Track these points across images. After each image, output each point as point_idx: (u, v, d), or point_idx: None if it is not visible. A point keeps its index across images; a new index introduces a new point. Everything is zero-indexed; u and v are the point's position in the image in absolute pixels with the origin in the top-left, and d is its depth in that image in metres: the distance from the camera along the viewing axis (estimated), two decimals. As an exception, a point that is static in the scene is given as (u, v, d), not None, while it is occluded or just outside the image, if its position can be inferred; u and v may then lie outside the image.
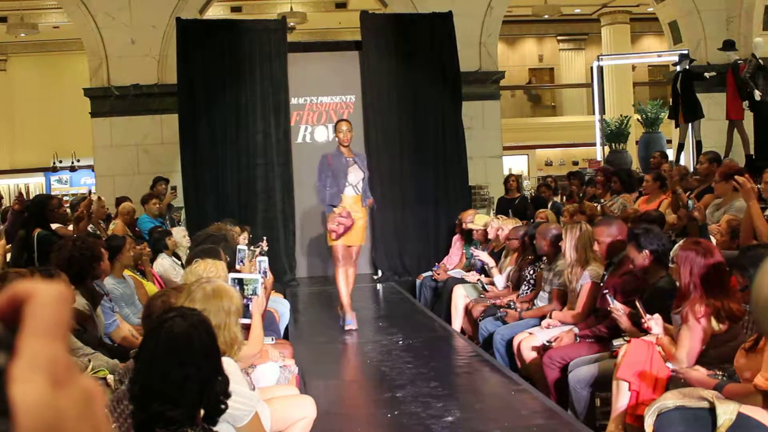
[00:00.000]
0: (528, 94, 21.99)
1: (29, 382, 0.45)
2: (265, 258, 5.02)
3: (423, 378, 4.58)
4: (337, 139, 6.23)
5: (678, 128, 10.93)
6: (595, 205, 7.75)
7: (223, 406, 2.17)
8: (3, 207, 11.17)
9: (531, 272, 5.97)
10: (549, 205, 8.92)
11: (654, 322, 3.72)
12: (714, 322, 3.55)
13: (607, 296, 4.29)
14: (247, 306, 3.60)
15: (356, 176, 6.08)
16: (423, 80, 9.30)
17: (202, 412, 2.16)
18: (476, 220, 7.71)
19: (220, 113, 8.98)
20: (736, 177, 4.90)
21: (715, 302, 3.52)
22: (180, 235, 7.06)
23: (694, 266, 3.59)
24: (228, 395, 2.19)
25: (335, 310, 6.52)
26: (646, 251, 4.23)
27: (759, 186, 6.16)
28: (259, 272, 4.09)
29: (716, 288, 3.55)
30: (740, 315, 3.60)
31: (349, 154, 6.13)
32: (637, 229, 4.41)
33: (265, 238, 6.62)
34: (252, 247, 5.88)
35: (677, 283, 3.78)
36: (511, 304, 5.71)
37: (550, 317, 5.13)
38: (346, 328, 6.02)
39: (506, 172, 12.43)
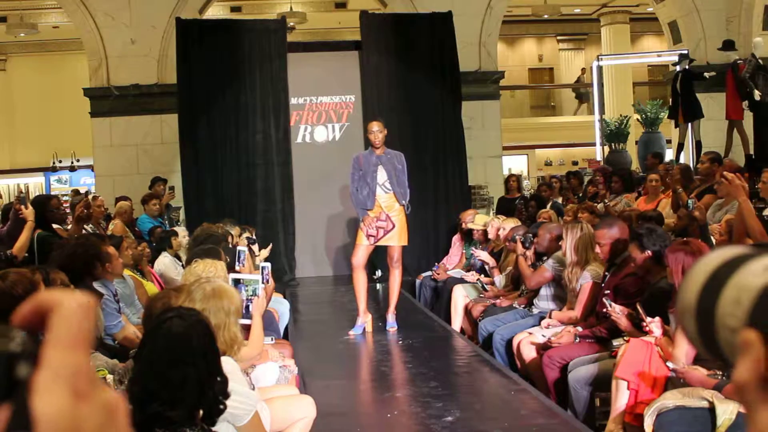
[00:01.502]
0: (576, 92, 21.68)
1: (52, 393, 0.46)
2: (268, 264, 5.00)
3: (423, 378, 4.58)
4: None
5: (678, 128, 10.93)
6: (596, 204, 7.75)
7: (222, 407, 2.17)
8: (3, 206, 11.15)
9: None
10: (549, 205, 8.92)
11: (655, 325, 3.72)
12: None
13: (605, 300, 4.30)
14: (247, 307, 3.60)
15: (383, 175, 5.92)
16: (423, 80, 9.30)
17: (201, 412, 2.16)
18: (476, 220, 7.71)
19: (220, 113, 8.98)
20: (724, 173, 4.88)
21: None
22: (182, 235, 7.06)
23: (685, 266, 3.61)
24: (227, 395, 2.19)
25: (335, 310, 6.52)
26: (648, 252, 4.24)
27: (758, 186, 6.17)
28: (262, 278, 4.08)
29: None
30: None
31: (381, 152, 5.96)
32: (641, 229, 4.41)
33: (270, 245, 6.61)
34: (252, 246, 5.87)
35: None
36: (529, 237, 5.73)
37: (550, 317, 5.13)
38: (355, 333, 5.88)
39: (506, 172, 12.43)
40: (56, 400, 0.46)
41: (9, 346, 0.47)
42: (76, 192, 9.90)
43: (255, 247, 5.99)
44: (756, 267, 0.62)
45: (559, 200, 9.45)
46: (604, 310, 4.28)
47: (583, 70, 21.57)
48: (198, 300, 2.85)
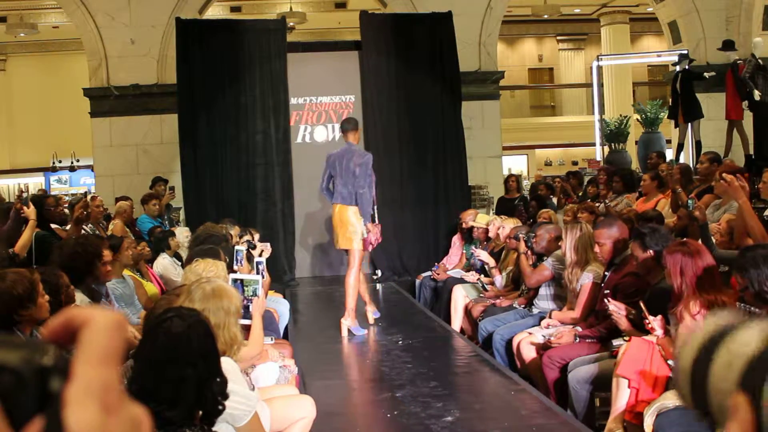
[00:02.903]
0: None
1: (82, 406, 0.47)
2: (263, 259, 5.02)
3: (423, 378, 4.58)
4: (356, 139, 6.06)
5: (677, 128, 10.93)
6: (597, 204, 7.75)
7: (220, 407, 2.17)
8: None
9: (531, 272, 5.97)
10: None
11: (656, 324, 3.72)
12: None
13: (605, 300, 4.30)
14: (247, 307, 3.60)
15: None
16: (423, 80, 9.30)
17: (201, 412, 2.16)
18: (478, 219, 7.73)
19: (220, 113, 8.98)
20: (723, 174, 4.88)
21: (708, 297, 3.56)
22: (183, 235, 7.05)
23: (684, 267, 3.62)
24: (226, 396, 2.18)
25: (335, 310, 6.51)
26: (651, 251, 4.24)
27: (758, 186, 6.16)
28: (257, 273, 4.10)
29: (707, 284, 3.60)
30: (734, 309, 3.63)
31: None
32: (644, 228, 4.41)
33: (267, 244, 6.62)
34: (252, 251, 5.86)
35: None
36: (531, 236, 5.73)
37: (550, 317, 5.13)
38: (363, 333, 5.95)
39: (506, 172, 12.43)
40: (87, 413, 0.47)
41: (42, 360, 0.48)
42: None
43: (255, 252, 5.97)
44: (747, 335, 0.66)
45: (554, 201, 9.46)
46: (607, 311, 4.27)
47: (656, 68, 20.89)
48: (198, 300, 2.85)
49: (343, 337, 5.85)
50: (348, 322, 5.91)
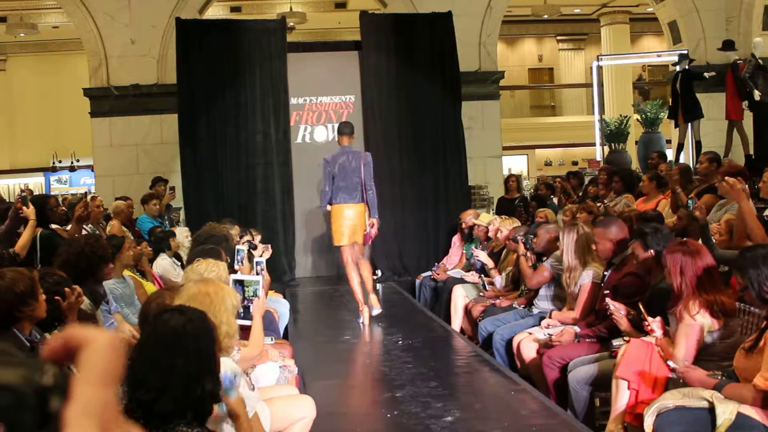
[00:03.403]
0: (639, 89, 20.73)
1: (81, 426, 0.48)
2: (263, 259, 5.02)
3: (423, 378, 4.58)
4: (351, 142, 6.48)
5: (677, 128, 10.94)
6: (597, 204, 7.75)
7: (210, 408, 2.16)
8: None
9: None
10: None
11: (656, 325, 3.73)
12: (709, 321, 3.56)
13: (606, 299, 4.30)
14: (247, 308, 3.60)
15: None
16: (423, 80, 9.30)
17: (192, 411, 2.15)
18: (480, 218, 7.74)
19: (220, 113, 8.98)
20: (726, 177, 4.91)
21: (707, 297, 3.56)
22: (183, 235, 7.05)
23: (684, 266, 3.63)
24: (217, 399, 2.18)
25: (335, 309, 6.54)
26: (652, 251, 4.24)
27: (758, 186, 6.16)
28: (256, 273, 4.10)
29: (707, 284, 3.60)
30: (733, 309, 3.64)
31: None
32: (646, 227, 4.41)
33: (269, 245, 6.63)
34: (253, 252, 5.86)
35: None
36: (530, 238, 5.77)
37: (550, 317, 5.13)
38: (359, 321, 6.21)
39: (506, 172, 12.43)
40: None
41: (42, 380, 0.49)
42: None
43: (256, 252, 5.98)
44: None
45: (554, 200, 9.46)
46: (607, 311, 4.27)
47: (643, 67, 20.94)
48: (190, 291, 2.85)
49: (345, 337, 5.86)
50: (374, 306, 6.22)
